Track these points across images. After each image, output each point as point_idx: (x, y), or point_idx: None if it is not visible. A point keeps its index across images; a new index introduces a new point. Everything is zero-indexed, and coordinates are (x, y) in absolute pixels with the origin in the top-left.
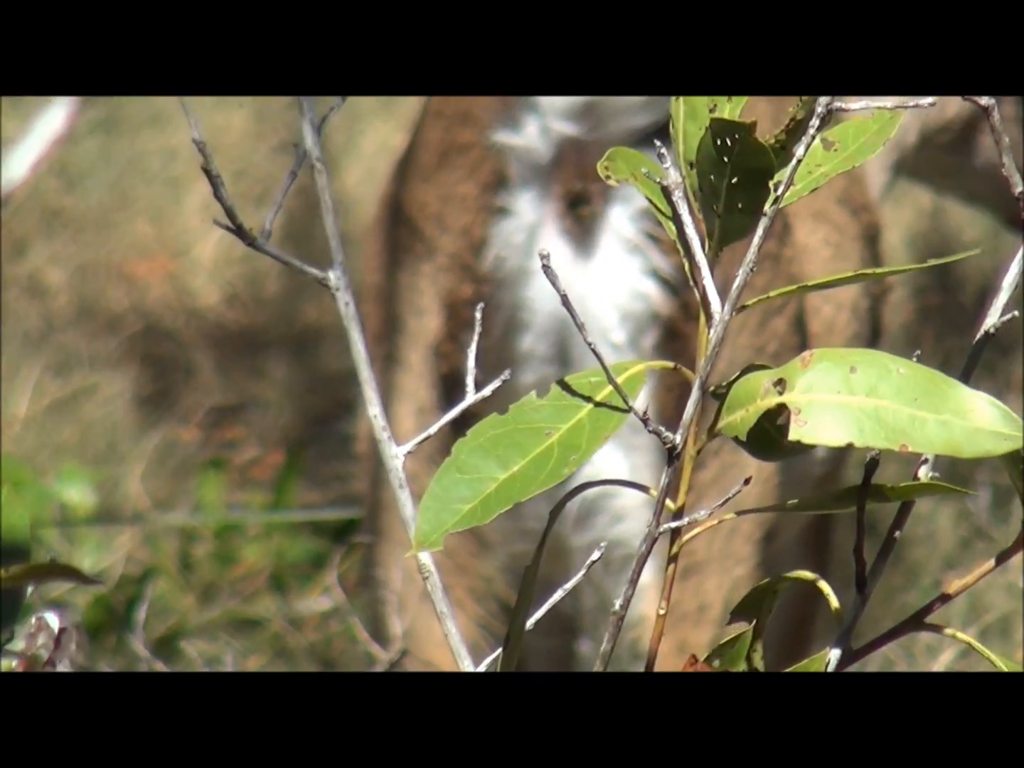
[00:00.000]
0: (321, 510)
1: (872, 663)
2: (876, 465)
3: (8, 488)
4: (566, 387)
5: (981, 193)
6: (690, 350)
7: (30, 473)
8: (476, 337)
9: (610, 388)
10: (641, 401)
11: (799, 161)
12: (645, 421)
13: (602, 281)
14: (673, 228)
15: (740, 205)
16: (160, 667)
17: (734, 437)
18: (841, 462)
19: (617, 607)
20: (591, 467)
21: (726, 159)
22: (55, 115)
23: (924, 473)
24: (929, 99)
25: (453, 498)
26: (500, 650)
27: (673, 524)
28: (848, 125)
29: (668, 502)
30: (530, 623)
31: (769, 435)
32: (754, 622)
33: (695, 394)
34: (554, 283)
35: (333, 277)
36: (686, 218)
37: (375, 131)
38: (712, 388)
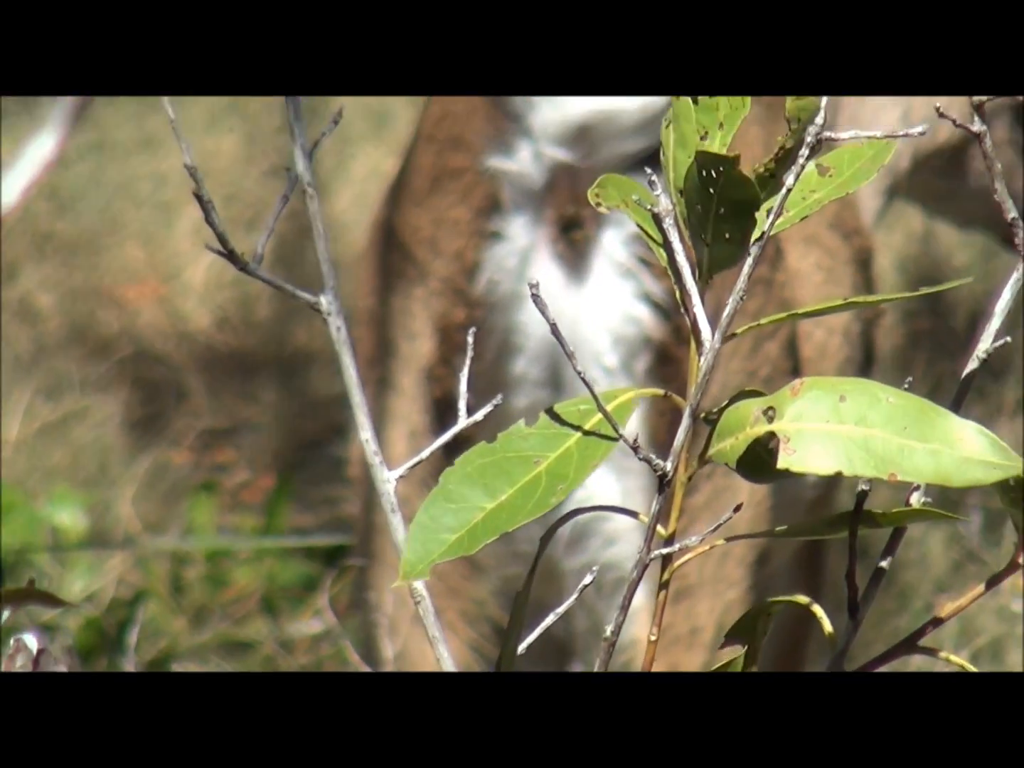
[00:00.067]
0: (312, 534)
1: None
2: (867, 495)
3: None
4: (555, 415)
5: (974, 215)
6: (683, 373)
7: (21, 496)
8: (468, 361)
9: (599, 416)
10: (633, 426)
11: (788, 191)
12: (635, 449)
13: (595, 305)
14: (664, 255)
15: (727, 235)
16: None
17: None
18: (834, 485)
19: (608, 633)
20: (583, 491)
21: (712, 190)
22: (46, 140)
23: (916, 499)
24: (919, 128)
25: (440, 527)
26: None
27: (664, 550)
28: (843, 151)
29: (659, 528)
30: (522, 647)
31: (761, 458)
32: (747, 646)
33: (685, 422)
34: (544, 312)
35: (325, 302)
36: (676, 246)
37: (365, 155)
38: (703, 414)
